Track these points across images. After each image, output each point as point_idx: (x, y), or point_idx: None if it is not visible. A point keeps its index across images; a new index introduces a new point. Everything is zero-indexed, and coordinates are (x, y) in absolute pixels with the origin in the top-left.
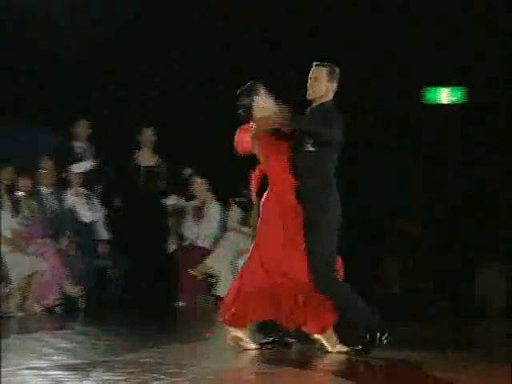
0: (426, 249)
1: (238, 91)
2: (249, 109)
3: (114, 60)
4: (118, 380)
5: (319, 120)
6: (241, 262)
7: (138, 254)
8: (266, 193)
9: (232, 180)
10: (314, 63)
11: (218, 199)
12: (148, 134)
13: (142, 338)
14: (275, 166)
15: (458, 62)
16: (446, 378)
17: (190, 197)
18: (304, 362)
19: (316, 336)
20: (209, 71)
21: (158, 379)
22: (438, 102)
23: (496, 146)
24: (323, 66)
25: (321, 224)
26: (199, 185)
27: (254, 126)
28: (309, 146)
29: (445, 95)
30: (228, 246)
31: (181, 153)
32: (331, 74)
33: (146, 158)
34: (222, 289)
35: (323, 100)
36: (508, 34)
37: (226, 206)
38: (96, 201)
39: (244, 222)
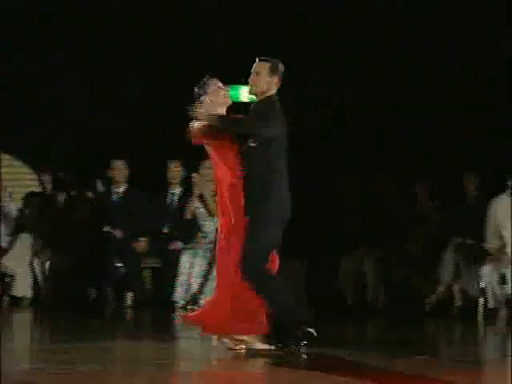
0: None
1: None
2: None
3: None
4: None
5: (252, 118)
6: None
7: None
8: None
9: None
10: (257, 58)
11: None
12: None
13: None
14: (223, 168)
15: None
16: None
17: None
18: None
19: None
20: None
21: None
22: (240, 100)
23: (311, 145)
24: (266, 61)
25: (257, 222)
26: None
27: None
28: (250, 142)
29: (245, 93)
30: (25, 246)
31: None
32: (273, 69)
33: None
34: (18, 289)
35: (266, 95)
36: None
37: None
38: None
39: None
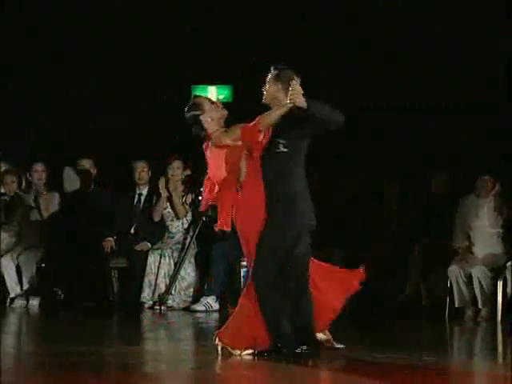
0: None
1: (186, 110)
2: (201, 125)
3: None
4: None
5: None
6: None
7: None
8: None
9: None
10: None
11: None
12: None
13: None
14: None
15: (224, 61)
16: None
17: None
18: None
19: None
20: None
21: None
22: None
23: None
24: (274, 69)
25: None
26: None
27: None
28: (281, 146)
29: (212, 93)
30: None
31: None
32: (277, 76)
33: None
34: None
35: (277, 102)
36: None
37: None
38: None
39: None
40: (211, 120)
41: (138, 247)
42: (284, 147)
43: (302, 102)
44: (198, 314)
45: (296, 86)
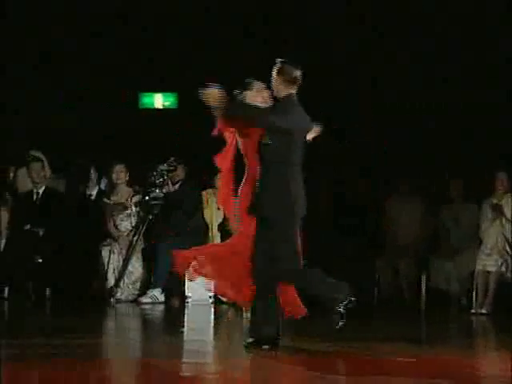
0: None
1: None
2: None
3: None
4: None
5: (264, 109)
6: None
7: None
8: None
9: None
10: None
11: None
12: None
13: None
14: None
15: (170, 68)
16: None
17: None
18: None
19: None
20: None
21: None
22: (154, 106)
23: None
24: (276, 63)
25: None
26: None
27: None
28: (267, 138)
29: (158, 100)
30: None
31: None
32: (278, 70)
33: None
34: None
35: (280, 96)
36: None
37: None
38: None
39: None
40: (251, 98)
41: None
42: (269, 139)
43: (215, 104)
44: (144, 306)
45: (211, 91)
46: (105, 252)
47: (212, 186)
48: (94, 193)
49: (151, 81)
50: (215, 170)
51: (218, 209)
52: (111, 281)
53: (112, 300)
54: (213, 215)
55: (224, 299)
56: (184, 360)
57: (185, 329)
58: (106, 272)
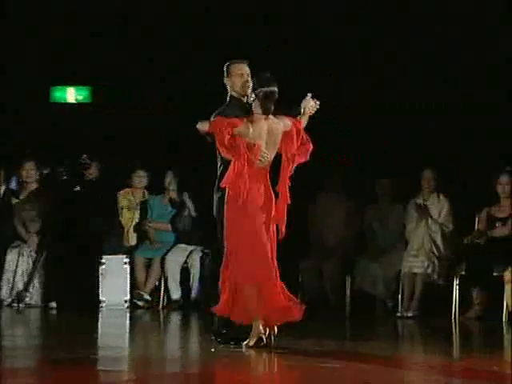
0: None
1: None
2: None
3: None
4: None
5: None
6: None
7: None
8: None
9: None
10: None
11: None
12: None
13: None
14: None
15: (83, 62)
16: None
17: None
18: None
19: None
20: None
21: None
22: (66, 101)
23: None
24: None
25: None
26: None
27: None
28: None
29: (71, 94)
30: None
31: None
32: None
33: None
34: None
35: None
36: None
37: None
38: None
39: None
40: None
41: None
42: None
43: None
44: (54, 311)
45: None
46: (12, 254)
47: (128, 186)
48: (1, 192)
49: (64, 74)
50: (131, 169)
51: (135, 209)
52: (19, 285)
53: (21, 305)
54: (129, 215)
55: (140, 303)
56: (99, 368)
57: None
58: (14, 275)
